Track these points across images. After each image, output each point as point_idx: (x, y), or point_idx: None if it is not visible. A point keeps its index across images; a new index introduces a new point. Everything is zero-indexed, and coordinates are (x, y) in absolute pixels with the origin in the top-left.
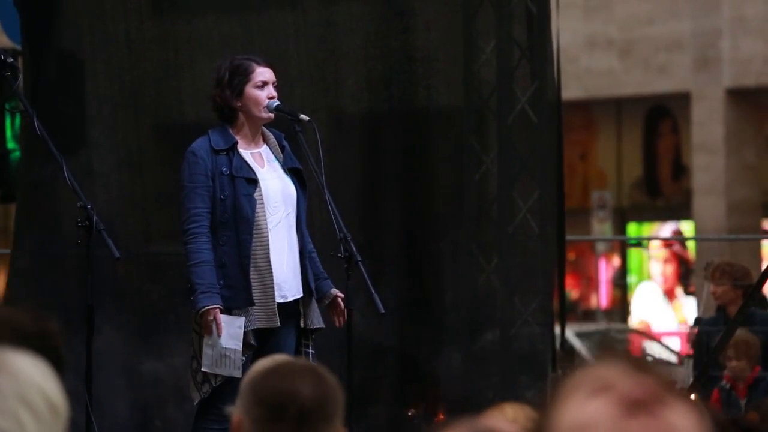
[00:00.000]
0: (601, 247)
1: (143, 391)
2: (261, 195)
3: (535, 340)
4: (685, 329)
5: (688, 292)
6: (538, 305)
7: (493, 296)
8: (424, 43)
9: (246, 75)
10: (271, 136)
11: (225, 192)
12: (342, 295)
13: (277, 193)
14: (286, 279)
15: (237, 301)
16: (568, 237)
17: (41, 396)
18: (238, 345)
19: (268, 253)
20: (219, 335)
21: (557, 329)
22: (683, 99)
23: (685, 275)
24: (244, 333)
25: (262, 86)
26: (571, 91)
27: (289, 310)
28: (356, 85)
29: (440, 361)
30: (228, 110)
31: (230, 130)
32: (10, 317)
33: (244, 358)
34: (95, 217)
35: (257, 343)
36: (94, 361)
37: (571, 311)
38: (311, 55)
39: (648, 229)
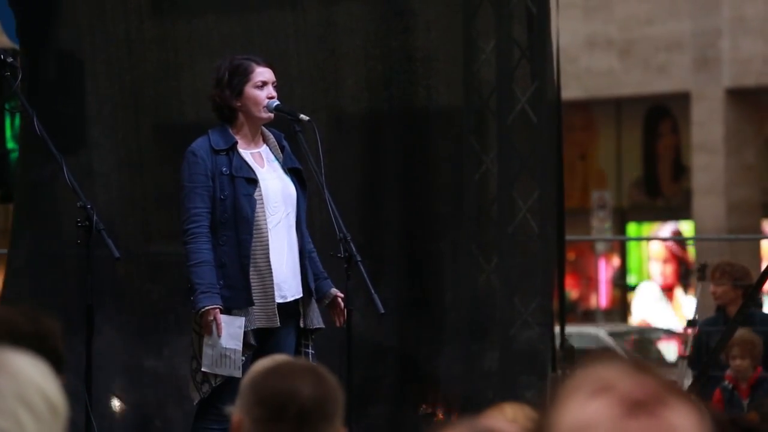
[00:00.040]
0: (600, 247)
1: (143, 391)
2: (261, 195)
3: (535, 340)
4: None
5: (687, 292)
6: (537, 305)
7: (493, 296)
8: (424, 43)
9: (245, 75)
10: (271, 136)
11: (225, 192)
12: (342, 295)
13: (276, 193)
14: (286, 279)
15: (237, 301)
16: (568, 237)
17: (41, 396)
18: (238, 345)
19: (268, 253)
20: (219, 335)
21: (557, 329)
22: (683, 99)
23: (684, 275)
24: (244, 333)
25: (262, 86)
26: (571, 91)
27: (289, 310)
28: (356, 85)
29: (440, 361)
30: (228, 110)
31: (230, 130)
32: (6, 317)
33: (244, 358)
34: (95, 217)
35: (257, 343)
36: (94, 361)
37: (570, 311)
38: (311, 55)
39: (648, 229)
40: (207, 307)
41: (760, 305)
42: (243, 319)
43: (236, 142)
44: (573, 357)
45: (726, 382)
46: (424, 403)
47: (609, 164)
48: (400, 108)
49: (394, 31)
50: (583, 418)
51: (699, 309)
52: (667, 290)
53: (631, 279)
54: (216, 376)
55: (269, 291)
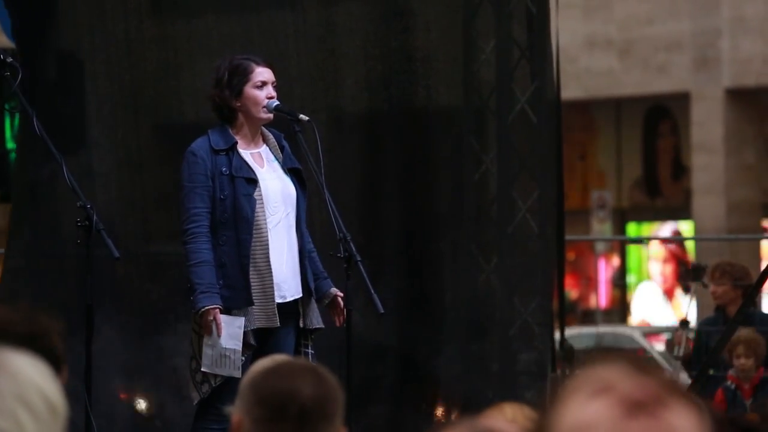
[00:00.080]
0: (600, 247)
1: (143, 392)
2: (261, 195)
3: (534, 340)
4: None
5: (687, 293)
6: (537, 305)
7: (492, 296)
8: (423, 43)
9: (245, 75)
10: (271, 136)
11: (225, 192)
12: (342, 295)
13: (276, 193)
14: (286, 279)
15: (236, 301)
16: (568, 237)
17: (40, 396)
18: (237, 345)
19: (268, 253)
20: (219, 335)
21: (557, 329)
22: (683, 99)
23: (684, 275)
24: (244, 333)
25: (261, 86)
26: (570, 91)
27: (289, 310)
28: (356, 85)
29: (440, 361)
30: (227, 110)
31: (230, 130)
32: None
33: (243, 358)
34: (95, 217)
35: (257, 343)
36: (94, 361)
37: (570, 311)
38: (311, 55)
39: (648, 229)
40: (207, 307)
41: (755, 305)
42: (243, 319)
43: (236, 142)
44: (573, 357)
45: (729, 382)
46: (424, 403)
47: (609, 164)
48: (400, 108)
49: (393, 31)
50: (583, 418)
51: (692, 309)
52: (667, 290)
53: (630, 279)
54: (216, 376)
55: (269, 291)
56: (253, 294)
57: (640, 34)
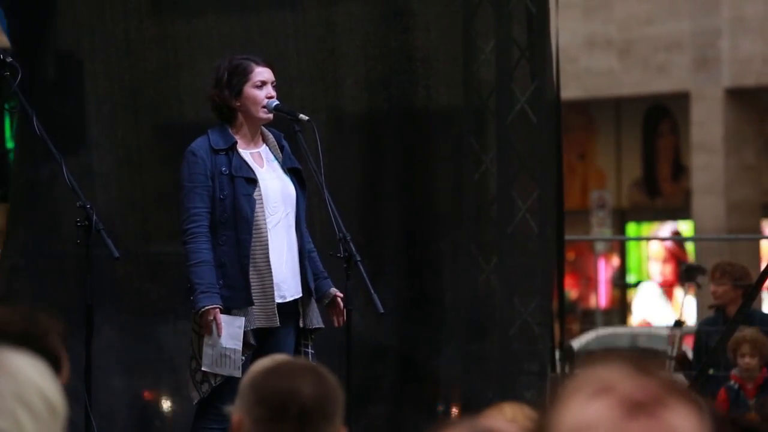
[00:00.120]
0: (600, 247)
1: (143, 391)
2: (260, 195)
3: (534, 340)
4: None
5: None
6: (537, 305)
7: (492, 296)
8: (423, 43)
9: (245, 75)
10: (271, 136)
11: (224, 192)
12: (341, 295)
13: (276, 192)
14: (286, 279)
15: (236, 300)
16: (568, 237)
17: (39, 396)
18: (238, 345)
19: (268, 253)
20: (219, 335)
21: (556, 329)
22: (682, 99)
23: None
24: (244, 333)
25: (261, 86)
26: (570, 91)
27: (289, 310)
28: (356, 85)
29: (440, 361)
30: (227, 110)
31: (230, 130)
32: None
33: (243, 358)
34: (94, 217)
35: (257, 342)
36: (94, 361)
37: (570, 311)
38: (311, 55)
39: (647, 229)
40: (207, 307)
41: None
42: (243, 318)
43: (236, 142)
44: (573, 357)
45: (732, 382)
46: (424, 403)
47: (608, 164)
48: (400, 108)
49: (393, 31)
50: (583, 418)
51: (687, 309)
52: (667, 290)
53: (630, 279)
54: (216, 375)
55: (269, 291)
56: (253, 294)
57: (640, 34)
